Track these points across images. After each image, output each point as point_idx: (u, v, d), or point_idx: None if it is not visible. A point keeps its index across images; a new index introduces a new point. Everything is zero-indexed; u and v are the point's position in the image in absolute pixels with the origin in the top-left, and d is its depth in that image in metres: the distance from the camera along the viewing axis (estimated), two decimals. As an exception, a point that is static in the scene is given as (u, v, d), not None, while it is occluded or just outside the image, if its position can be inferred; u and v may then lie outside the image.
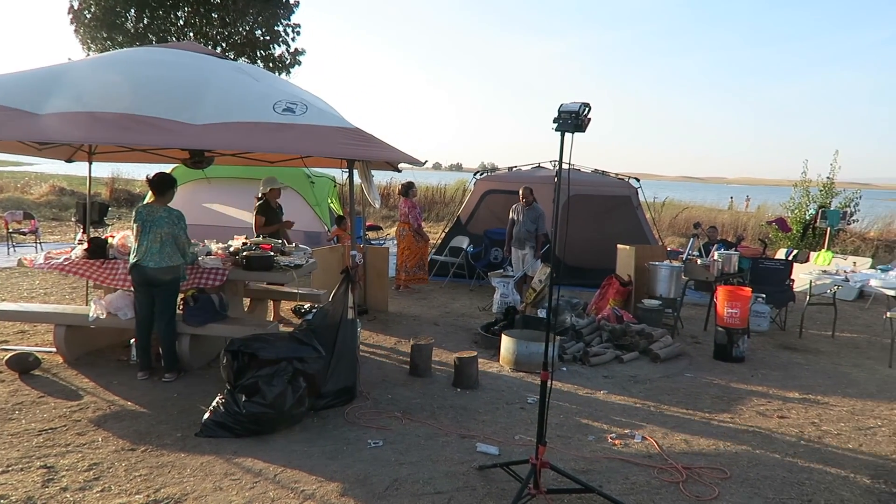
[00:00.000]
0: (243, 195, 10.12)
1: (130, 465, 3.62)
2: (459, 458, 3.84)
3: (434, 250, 10.42)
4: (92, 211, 10.03)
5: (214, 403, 4.18)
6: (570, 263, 9.55)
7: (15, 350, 5.35)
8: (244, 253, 5.57)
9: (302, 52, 19.22)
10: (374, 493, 3.41)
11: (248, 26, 18.37)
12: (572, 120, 3.06)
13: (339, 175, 7.35)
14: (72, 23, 17.75)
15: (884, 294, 6.79)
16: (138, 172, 20.50)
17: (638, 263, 7.93)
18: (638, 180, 10.56)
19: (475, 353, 5.30)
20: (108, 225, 12.85)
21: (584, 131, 3.09)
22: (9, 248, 11.38)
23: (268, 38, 18.45)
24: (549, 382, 3.30)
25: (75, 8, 17.65)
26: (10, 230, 11.66)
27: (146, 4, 17.45)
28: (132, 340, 5.26)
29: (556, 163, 3.17)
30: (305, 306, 7.18)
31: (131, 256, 4.93)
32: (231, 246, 6.00)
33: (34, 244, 11.51)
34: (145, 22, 17.94)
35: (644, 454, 4.04)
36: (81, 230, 9.79)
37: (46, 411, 4.33)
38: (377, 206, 5.39)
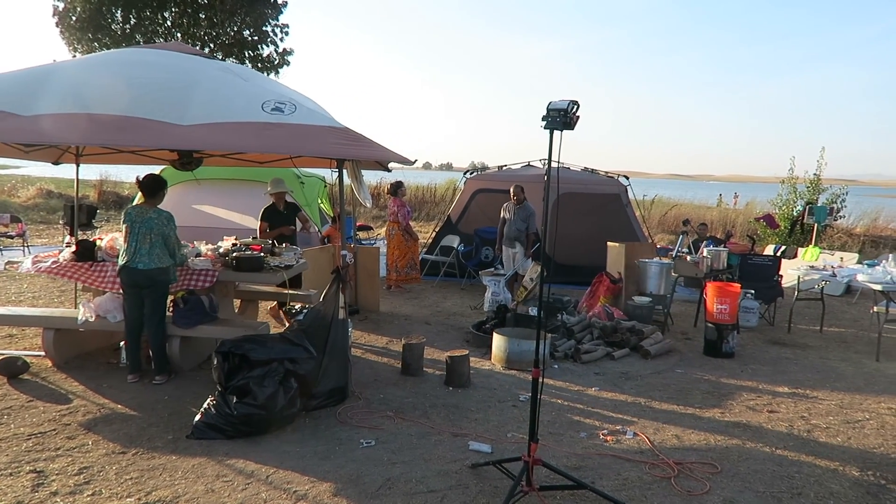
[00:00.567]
0: (233, 196, 10.07)
1: (121, 468, 3.60)
2: (452, 457, 3.85)
3: (425, 249, 10.43)
4: (80, 213, 9.95)
5: (205, 405, 4.16)
6: (560, 261, 9.58)
7: (3, 354, 5.30)
8: (234, 254, 5.54)
9: (290, 53, 19.16)
10: (366, 492, 3.41)
11: (235, 27, 18.29)
12: (561, 118, 3.07)
13: (330, 175, 7.34)
14: (57, 24, 17.60)
15: (870, 289, 6.85)
16: (127, 174, 20.36)
17: (628, 261, 7.97)
18: (627, 178, 10.61)
19: (467, 352, 5.31)
20: (97, 227, 12.75)
21: (572, 129, 3.10)
22: (-5, 252, 11.27)
23: (256, 38, 18.39)
24: (540, 380, 3.31)
25: (60, 10, 17.50)
26: (-3, 234, 11.54)
27: (133, 5, 17.34)
28: (122, 343, 5.23)
29: (546, 161, 3.18)
30: (296, 307, 7.15)
31: (120, 258, 4.90)
32: (221, 247, 5.97)
33: (21, 248, 11.39)
34: (132, 23, 17.83)
35: (636, 450, 4.06)
36: (69, 233, 9.71)
37: (35, 415, 4.29)
38: (368, 205, 5.38)
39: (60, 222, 14.54)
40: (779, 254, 10.28)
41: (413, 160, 4.76)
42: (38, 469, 3.56)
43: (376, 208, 19.49)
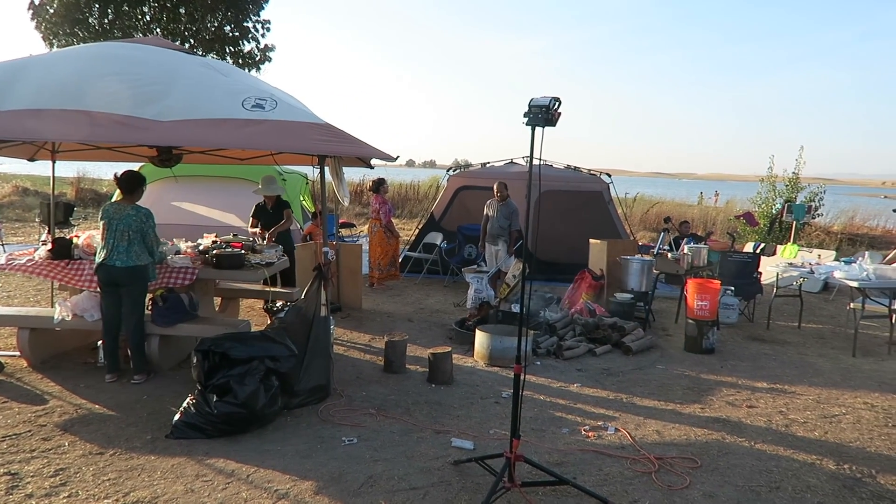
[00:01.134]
0: (214, 193, 9.95)
1: (98, 469, 3.55)
2: (434, 454, 3.84)
3: (408, 247, 10.41)
4: (56, 211, 9.79)
5: (185, 404, 4.11)
6: (543, 258, 9.62)
7: (-24, 354, 5.20)
8: (214, 251, 5.49)
9: (272, 49, 19.00)
10: (348, 490, 3.39)
11: (216, 22, 18.10)
12: (542, 114, 3.07)
13: (311, 172, 7.29)
14: (33, 18, 17.28)
15: (847, 286, 6.96)
16: (105, 171, 20.06)
17: (610, 258, 8.01)
18: (609, 176, 10.67)
19: (449, 349, 5.31)
20: (74, 225, 12.55)
21: (554, 125, 3.10)
22: (-31, 250, 11.05)
23: (237, 34, 18.20)
24: (522, 376, 3.32)
25: (36, 3, 17.18)
26: (-29, 232, 11.30)
27: (111, -1, 17.09)
28: (99, 342, 5.14)
29: (529, 158, 3.18)
30: (278, 304, 7.10)
31: (97, 256, 4.83)
32: (201, 244, 5.91)
33: (-4, 245, 11.18)
34: (110, 17, 17.55)
35: (617, 445, 4.08)
36: (46, 231, 9.54)
37: (10, 417, 4.21)
38: (346, 203, 5.36)
39: (37, 220, 14.29)
40: (758, 251, 10.39)
41: (395, 156, 4.74)
42: (12, 471, 3.49)
43: (359, 205, 19.41)
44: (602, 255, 8.11)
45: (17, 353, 5.28)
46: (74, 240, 5.61)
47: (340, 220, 13.27)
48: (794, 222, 13.31)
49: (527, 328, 5.95)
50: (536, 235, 9.40)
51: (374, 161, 5.49)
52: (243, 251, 5.66)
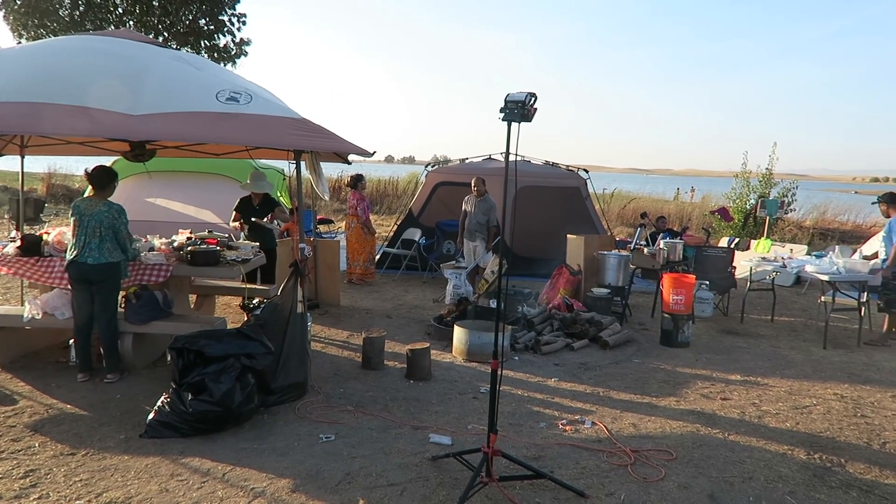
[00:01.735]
0: (189, 189, 9.83)
1: (70, 470, 3.49)
2: (412, 450, 3.84)
3: (386, 243, 10.38)
4: (27, 207, 9.58)
5: (159, 403, 4.06)
6: (521, 254, 9.65)
7: (-58, 354, 5.08)
8: (189, 248, 5.41)
9: (248, 43, 18.76)
10: (326, 487, 3.38)
11: (191, 15, 17.81)
12: (518, 109, 3.07)
13: (288, 167, 7.23)
14: (0, 8, 16.85)
15: (818, 279, 7.09)
16: (77, 167, 19.67)
17: (587, 253, 8.07)
18: (587, 171, 10.73)
19: (427, 345, 5.30)
20: (45, 222, 12.30)
21: (530, 121, 3.11)
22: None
23: (212, 27, 17.93)
24: (499, 371, 3.33)
25: (4, -6, 16.76)
26: (-63, 228, 11.02)
27: (82, -9, 16.73)
28: (71, 341, 5.05)
29: (512, 154, 3.18)
30: (255, 301, 7.04)
31: (68, 253, 4.73)
32: (175, 241, 5.83)
33: (-37, 243, 10.90)
34: (81, 10, 17.18)
35: (594, 439, 4.12)
36: (15, 227, 9.32)
37: (-22, 417, 4.12)
38: (326, 198, 5.32)
39: (6, 216, 13.97)
40: (732, 246, 10.54)
41: (372, 152, 4.72)
42: (-20, 473, 3.42)
43: (337, 201, 19.30)
44: (579, 250, 8.16)
45: (-14, 353, 5.17)
46: (45, 236, 5.49)
47: (319, 217, 13.19)
48: (768, 217, 13.52)
49: (504, 323, 5.98)
50: (513, 230, 9.43)
51: (351, 157, 5.45)
52: (218, 248, 5.59)
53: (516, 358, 5.84)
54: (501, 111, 3.13)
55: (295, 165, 4.60)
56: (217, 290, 6.65)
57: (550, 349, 6.05)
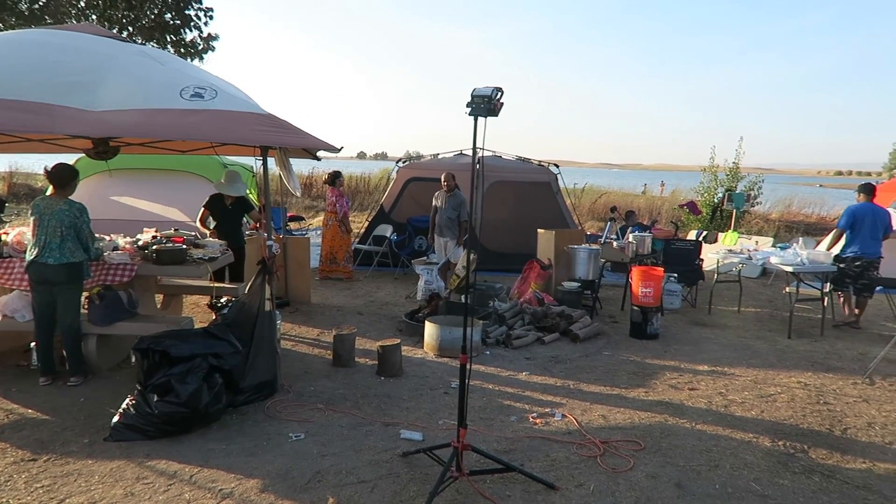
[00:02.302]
0: (154, 187, 9.64)
1: (31, 476, 3.40)
2: (383, 447, 3.83)
3: (357, 239, 10.33)
4: (-15, 207, 9.28)
5: (124, 405, 3.98)
6: (492, 249, 9.69)
7: None
8: (154, 247, 5.31)
9: (215, 38, 18.46)
10: (295, 486, 3.35)
11: (156, 9, 17.45)
12: (485, 104, 3.07)
13: (255, 164, 7.13)
14: (-45, 2, 16.30)
15: (783, 271, 7.25)
16: (39, 165, 19.15)
17: (558, 247, 8.13)
18: (557, 166, 10.80)
19: (398, 341, 5.29)
20: (6, 222, 11.95)
21: (496, 115, 3.11)
22: None
23: (178, 22, 17.59)
24: (468, 366, 3.33)
25: (-42, -14, 16.21)
26: None
27: (42, -16, 16.26)
28: (32, 344, 4.92)
29: (479, 149, 3.18)
30: (223, 300, 6.94)
31: (28, 253, 4.60)
32: (140, 240, 5.71)
33: (-81, 244, 10.55)
34: (41, 2, 16.71)
35: (564, 431, 4.15)
36: (-27, 228, 9.04)
37: (-67, 423, 4.00)
38: (298, 194, 5.26)
39: (-35, 217, 13.54)
40: (700, 239, 10.72)
41: (339, 147, 4.67)
42: (-65, 481, 3.31)
43: (308, 198, 19.14)
44: (550, 244, 8.21)
45: (-58, 358, 5.01)
46: (3, 237, 5.34)
47: (289, 214, 13.06)
48: (735, 210, 13.77)
49: (475, 318, 6.00)
50: (480, 224, 9.46)
51: (323, 153, 5.40)
52: (185, 246, 5.49)
53: (488, 352, 5.86)
54: (468, 106, 3.12)
55: (262, 162, 4.53)
56: (184, 290, 6.53)
57: (521, 343, 6.08)
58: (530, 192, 10.20)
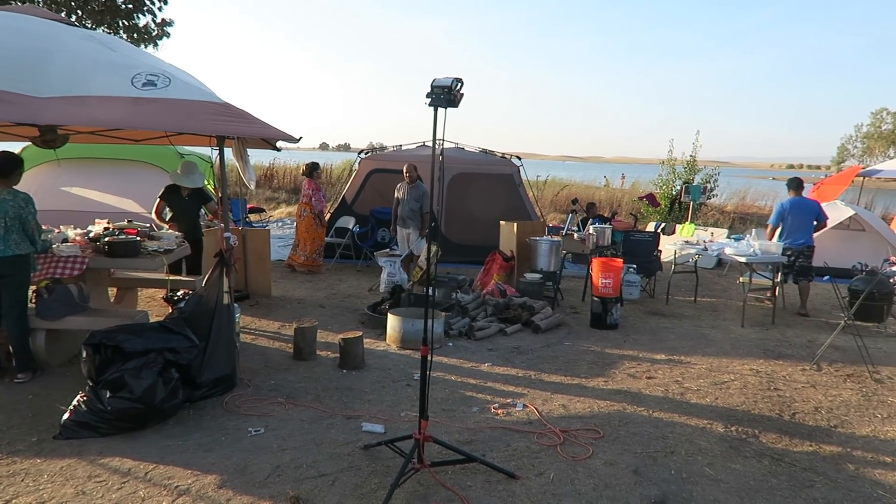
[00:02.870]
0: (107, 177, 9.33)
1: (-25, 476, 3.27)
2: (344, 440, 3.80)
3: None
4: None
5: (75, 402, 3.85)
6: (455, 240, 9.70)
7: None
8: (106, 239, 5.15)
9: (170, 24, 17.88)
10: (254, 481, 3.30)
11: (107, -7, 16.81)
12: (445, 95, 3.05)
13: (212, 154, 6.97)
14: None
15: (737, 261, 7.45)
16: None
17: (520, 239, 8.18)
18: (520, 159, 10.85)
19: (360, 334, 5.25)
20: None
21: (456, 106, 3.10)
22: None
23: (130, 6, 16.98)
24: (429, 357, 3.33)
25: None
26: None
27: (-16, -36, 15.49)
28: (-24, 339, 4.73)
29: (438, 140, 3.16)
30: (179, 293, 6.79)
31: (-30, 246, 4.41)
32: (91, 231, 5.53)
33: None
34: (-17, -16, 15.94)
35: (525, 421, 4.19)
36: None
37: None
38: (252, 186, 5.16)
39: None
40: (659, 230, 10.93)
41: (298, 137, 4.59)
42: None
43: (269, 189, 18.85)
44: (512, 236, 8.26)
45: None
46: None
47: (249, 205, 12.83)
48: (692, 203, 14.07)
49: (438, 310, 6.00)
50: (443, 216, 9.47)
51: (283, 144, 5.30)
52: (139, 238, 5.34)
53: (450, 344, 5.87)
54: (428, 96, 3.10)
55: (218, 152, 4.43)
56: (139, 283, 6.36)
57: (484, 334, 6.11)
58: (493, 183, 10.23)
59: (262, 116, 4.40)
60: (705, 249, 8.35)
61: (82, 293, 4.97)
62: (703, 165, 17.01)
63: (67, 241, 5.21)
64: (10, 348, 4.60)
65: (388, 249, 8.41)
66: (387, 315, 5.96)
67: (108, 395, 3.78)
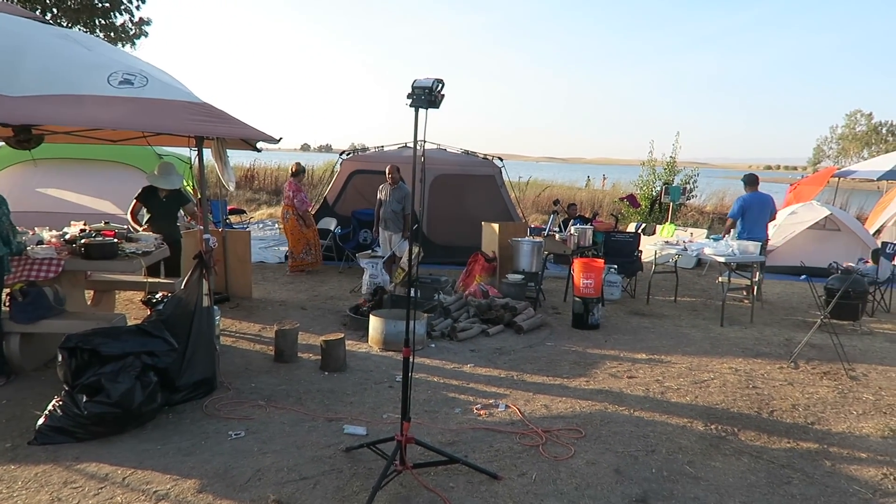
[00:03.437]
0: (84, 178, 9.20)
1: (-54, 484, 3.20)
2: (326, 442, 3.78)
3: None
4: None
5: (50, 407, 3.79)
6: (437, 242, 9.70)
7: None
8: (82, 241, 5.07)
9: (148, 23, 17.67)
10: (234, 485, 3.27)
11: (83, -9, 16.56)
12: (426, 95, 3.05)
13: (190, 154, 6.90)
14: None
15: (716, 261, 7.54)
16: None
17: (502, 240, 8.20)
18: (501, 160, 10.88)
19: (342, 335, 5.22)
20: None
21: (437, 107, 3.09)
22: None
23: (107, 4, 16.75)
24: (411, 359, 3.32)
25: None
26: None
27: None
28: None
29: (419, 141, 3.16)
30: (158, 296, 6.70)
31: (-59, 248, 4.32)
32: (67, 233, 5.44)
33: None
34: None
35: (507, 421, 4.20)
36: None
37: None
38: (231, 188, 5.11)
39: None
40: (639, 231, 11.02)
41: (278, 138, 4.56)
42: None
43: (249, 191, 18.71)
44: (494, 237, 8.28)
45: None
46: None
47: (230, 207, 12.71)
48: (671, 203, 14.20)
49: (420, 311, 5.99)
50: (425, 217, 9.46)
51: (263, 145, 5.25)
52: (116, 240, 5.27)
53: (433, 345, 5.86)
54: (409, 97, 3.09)
55: (197, 153, 4.38)
56: (116, 286, 6.27)
57: (466, 335, 6.11)
58: (475, 185, 10.24)
59: (242, 117, 4.37)
60: (685, 249, 8.42)
61: (58, 296, 4.89)
62: (683, 166, 17.17)
63: (42, 243, 5.12)
64: (-17, 353, 4.51)
65: (370, 251, 8.38)
66: (369, 317, 5.94)
67: (84, 399, 3.72)
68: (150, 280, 6.15)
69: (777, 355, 5.95)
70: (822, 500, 3.34)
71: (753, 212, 7.89)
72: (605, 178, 33.15)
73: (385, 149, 10.65)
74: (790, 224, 10.27)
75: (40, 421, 3.74)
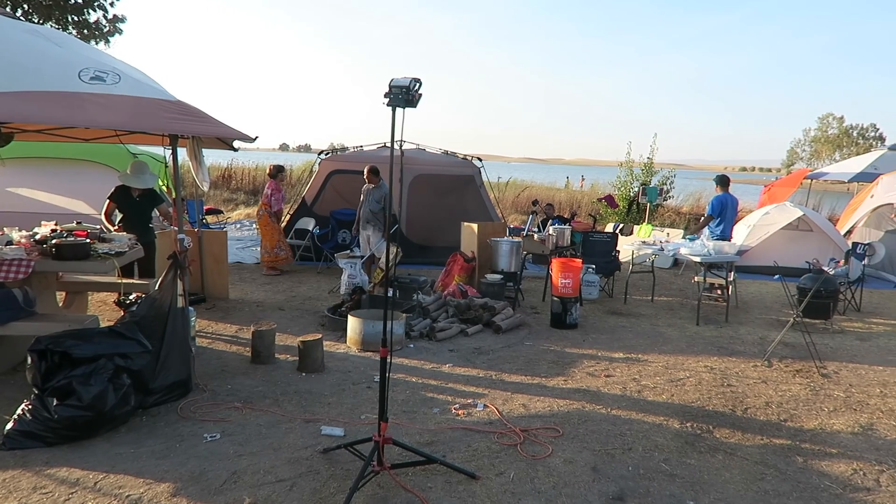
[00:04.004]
0: (56, 177, 9.01)
1: None
2: (303, 444, 3.75)
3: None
4: None
5: (20, 411, 3.71)
6: (416, 242, 9.68)
7: None
8: (53, 241, 4.96)
9: (122, 20, 17.39)
10: (209, 489, 3.22)
11: (56, -13, 16.23)
12: (403, 95, 3.04)
13: (165, 153, 6.79)
14: None
15: (692, 261, 7.63)
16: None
17: (481, 240, 8.21)
18: (481, 160, 10.90)
19: (320, 336, 5.19)
20: None
21: (415, 106, 3.09)
22: None
23: (80, 1, 16.46)
24: (388, 359, 3.31)
25: None
26: None
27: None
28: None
29: (398, 141, 3.15)
30: (132, 297, 6.59)
31: None
32: (38, 233, 5.32)
33: None
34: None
35: (486, 421, 4.20)
36: None
37: None
38: (205, 188, 5.04)
39: None
40: (617, 231, 11.11)
41: (254, 137, 4.51)
42: None
43: (227, 190, 18.51)
44: (473, 237, 8.29)
45: None
46: None
47: (206, 207, 12.56)
48: (649, 204, 14.35)
49: (399, 311, 5.97)
50: (404, 216, 9.43)
51: (241, 144, 5.19)
52: (89, 240, 5.16)
53: (411, 346, 5.85)
54: (386, 96, 3.08)
55: (171, 151, 4.32)
56: (89, 287, 6.14)
57: (445, 335, 6.10)
58: (454, 185, 10.25)
59: (218, 115, 4.32)
60: (662, 249, 8.52)
61: (28, 297, 4.77)
62: (660, 167, 17.36)
63: (11, 244, 5.00)
64: (-50, 356, 4.40)
65: (348, 251, 8.34)
66: (347, 317, 5.91)
67: (54, 402, 3.65)
68: (124, 281, 6.03)
69: (751, 354, 6.04)
70: (795, 495, 3.39)
71: (728, 211, 8.18)
72: (583, 179, 33.42)
73: (364, 149, 10.60)
74: (764, 225, 10.42)
75: (9, 425, 3.66)
